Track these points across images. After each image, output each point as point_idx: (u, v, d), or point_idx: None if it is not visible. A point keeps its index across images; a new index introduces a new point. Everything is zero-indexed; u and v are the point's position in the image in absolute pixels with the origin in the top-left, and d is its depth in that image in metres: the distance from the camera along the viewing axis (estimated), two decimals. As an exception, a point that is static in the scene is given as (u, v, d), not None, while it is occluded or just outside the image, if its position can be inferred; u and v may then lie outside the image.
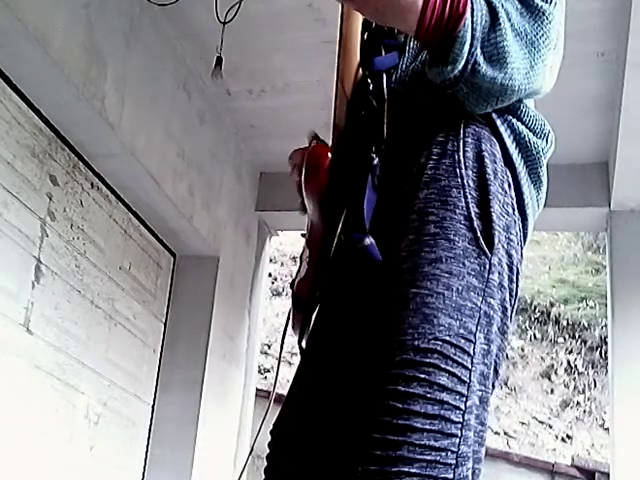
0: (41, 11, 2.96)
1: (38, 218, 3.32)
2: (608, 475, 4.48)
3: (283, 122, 4.46)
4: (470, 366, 1.10)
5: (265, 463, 1.25)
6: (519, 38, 1.16)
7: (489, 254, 1.15)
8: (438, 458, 1.05)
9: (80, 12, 3.20)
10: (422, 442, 1.04)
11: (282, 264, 10.81)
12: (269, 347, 9.41)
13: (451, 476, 1.05)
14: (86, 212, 3.68)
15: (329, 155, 1.29)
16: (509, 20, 1.16)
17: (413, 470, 1.04)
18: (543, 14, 1.18)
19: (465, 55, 1.13)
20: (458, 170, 1.19)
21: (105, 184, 3.83)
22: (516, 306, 1.24)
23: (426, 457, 1.04)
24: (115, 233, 3.93)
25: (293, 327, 1.35)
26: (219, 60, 3.40)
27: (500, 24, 1.15)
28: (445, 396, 1.07)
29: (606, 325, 7.60)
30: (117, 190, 3.91)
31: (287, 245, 10.69)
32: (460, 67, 1.13)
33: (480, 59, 1.14)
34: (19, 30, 2.88)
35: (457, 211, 1.16)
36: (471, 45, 1.13)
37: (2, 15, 2.81)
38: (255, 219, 4.99)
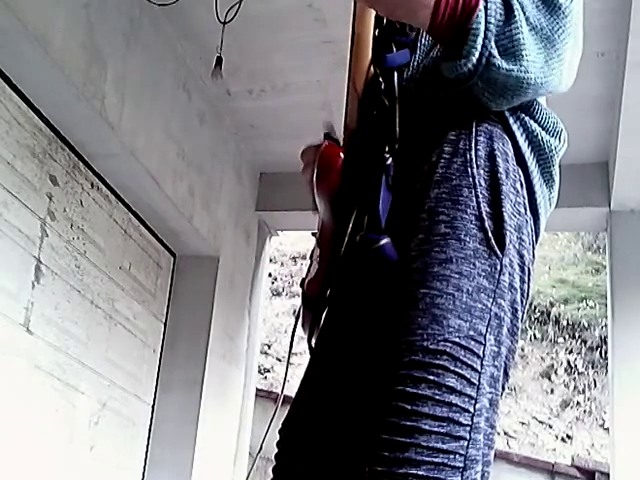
0: (41, 11, 2.95)
1: (38, 218, 3.32)
2: (608, 475, 4.47)
3: (283, 122, 4.46)
4: (480, 368, 1.09)
5: (271, 463, 1.25)
6: (534, 32, 1.15)
7: (500, 255, 1.14)
8: (446, 461, 1.03)
9: (80, 12, 3.20)
10: (430, 444, 1.03)
11: (282, 264, 10.81)
12: (269, 347, 9.40)
13: (459, 479, 1.04)
14: (86, 212, 3.67)
15: (341, 155, 1.28)
16: (524, 13, 1.15)
17: (420, 472, 1.03)
18: (559, 8, 1.17)
19: (479, 47, 1.12)
20: (470, 169, 1.17)
21: (105, 184, 3.83)
22: (526, 307, 1.23)
23: (434, 459, 1.03)
24: (115, 233, 3.93)
25: (303, 326, 1.34)
26: (219, 60, 3.40)
27: (515, 17, 1.13)
28: (454, 398, 1.06)
29: (606, 325, 7.60)
30: (117, 190, 3.91)
31: (287, 245, 10.69)
32: (474, 60, 1.12)
33: (495, 51, 1.12)
34: (19, 30, 2.88)
35: (468, 211, 1.15)
36: (485, 37, 1.12)
37: (2, 15, 2.81)
38: (255, 219, 4.99)
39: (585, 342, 9.61)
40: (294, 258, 10.83)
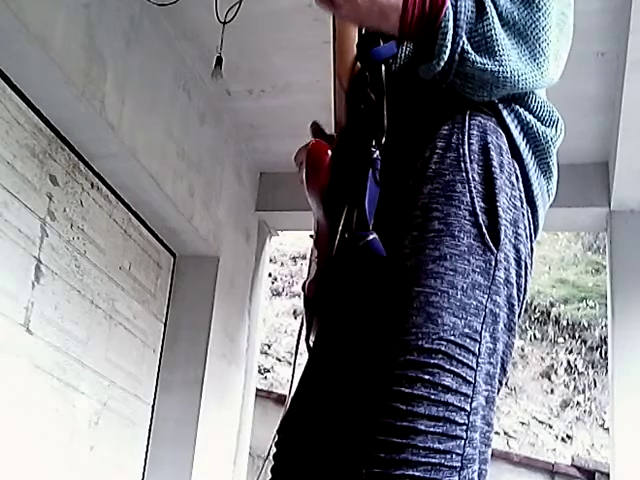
0: (41, 11, 2.95)
1: (38, 218, 3.32)
2: (608, 475, 4.48)
3: (283, 122, 4.46)
4: (475, 366, 1.08)
5: (269, 463, 1.25)
6: (507, 27, 1.15)
7: (494, 250, 1.13)
8: (443, 461, 1.02)
9: (80, 12, 3.20)
10: (426, 445, 1.02)
11: (282, 264, 10.81)
12: (269, 347, 9.40)
13: (456, 479, 1.03)
14: (86, 212, 3.67)
15: (329, 152, 1.27)
16: (496, 9, 1.15)
17: (417, 473, 1.01)
18: (533, 1, 1.17)
19: (449, 44, 1.13)
20: (463, 164, 1.16)
21: (105, 184, 3.83)
22: (525, 301, 1.21)
23: (430, 460, 1.02)
24: (115, 233, 3.92)
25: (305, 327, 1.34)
26: (219, 60, 3.40)
27: (487, 13, 1.14)
28: (450, 397, 1.04)
29: (606, 325, 7.60)
30: (117, 190, 3.91)
31: (287, 245, 10.69)
32: (446, 58, 1.13)
33: (468, 47, 1.13)
34: (19, 30, 2.88)
35: (462, 207, 1.13)
36: (455, 34, 1.13)
37: (2, 15, 2.80)
38: (255, 219, 4.99)
39: (585, 342, 9.61)
40: (294, 258, 10.83)
